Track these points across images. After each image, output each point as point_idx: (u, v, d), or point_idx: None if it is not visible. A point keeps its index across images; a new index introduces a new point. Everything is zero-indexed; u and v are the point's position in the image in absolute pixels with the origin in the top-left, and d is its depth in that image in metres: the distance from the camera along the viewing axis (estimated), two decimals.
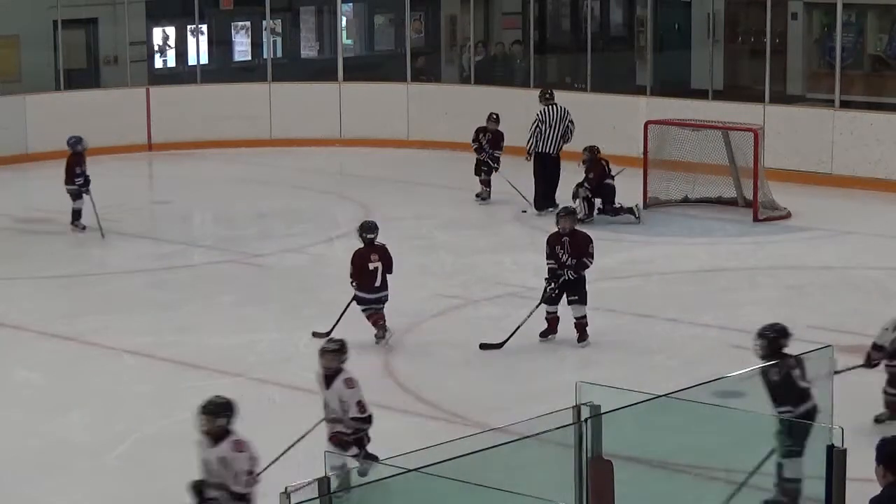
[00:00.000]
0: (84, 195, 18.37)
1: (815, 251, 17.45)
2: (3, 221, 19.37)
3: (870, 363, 11.25)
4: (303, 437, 10.19)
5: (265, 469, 10.13)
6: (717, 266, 16.77)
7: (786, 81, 24.66)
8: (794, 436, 8.69)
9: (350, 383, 10.06)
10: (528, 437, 6.82)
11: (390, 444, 7.81)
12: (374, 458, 9.84)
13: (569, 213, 13.86)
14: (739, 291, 15.56)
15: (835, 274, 16.29)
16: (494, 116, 19.93)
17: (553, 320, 13.63)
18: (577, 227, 13.86)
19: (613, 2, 28.44)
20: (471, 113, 20.34)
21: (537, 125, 19.47)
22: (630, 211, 18.74)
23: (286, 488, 6.13)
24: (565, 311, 13.59)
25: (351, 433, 10.11)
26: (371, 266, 13.54)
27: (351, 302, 13.66)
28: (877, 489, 7.12)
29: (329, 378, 10.14)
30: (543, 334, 13.62)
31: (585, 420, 7.09)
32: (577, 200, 18.59)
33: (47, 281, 16.41)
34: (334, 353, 10.19)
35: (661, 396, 7.63)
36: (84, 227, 18.45)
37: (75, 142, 18.73)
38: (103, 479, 10.69)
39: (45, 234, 18.71)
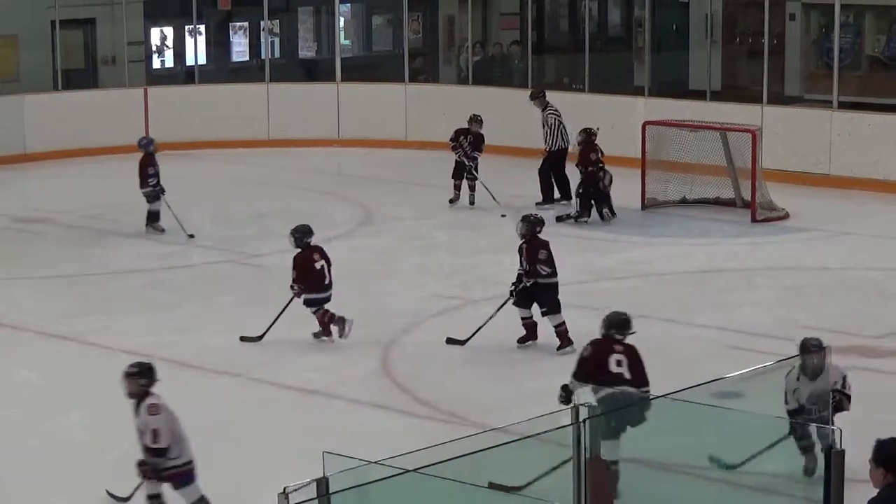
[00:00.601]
0: (161, 196, 18.01)
1: (813, 252, 17.46)
2: (2, 221, 19.34)
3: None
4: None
5: (128, 498, 9.96)
6: (716, 267, 16.78)
7: (784, 82, 24.64)
8: (606, 416, 8.56)
9: (152, 409, 9.35)
10: (527, 437, 6.83)
11: (389, 444, 7.81)
12: None
13: (524, 219, 13.67)
14: (737, 292, 15.57)
15: (833, 275, 16.30)
16: (479, 118, 19.88)
17: (529, 326, 13.49)
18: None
19: (611, 2, 28.45)
20: (469, 113, 20.29)
21: (558, 123, 19.61)
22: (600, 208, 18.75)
23: (285, 488, 6.14)
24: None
25: (147, 465, 9.45)
26: (317, 265, 13.62)
27: (287, 306, 13.71)
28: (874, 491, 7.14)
29: (136, 404, 9.51)
30: (521, 340, 13.50)
31: (584, 420, 7.11)
32: (575, 199, 18.72)
33: (47, 281, 16.40)
34: (133, 377, 9.50)
35: (660, 396, 7.65)
36: (163, 230, 18.12)
37: (147, 143, 18.27)
38: (103, 479, 10.68)
39: (44, 234, 18.71)
